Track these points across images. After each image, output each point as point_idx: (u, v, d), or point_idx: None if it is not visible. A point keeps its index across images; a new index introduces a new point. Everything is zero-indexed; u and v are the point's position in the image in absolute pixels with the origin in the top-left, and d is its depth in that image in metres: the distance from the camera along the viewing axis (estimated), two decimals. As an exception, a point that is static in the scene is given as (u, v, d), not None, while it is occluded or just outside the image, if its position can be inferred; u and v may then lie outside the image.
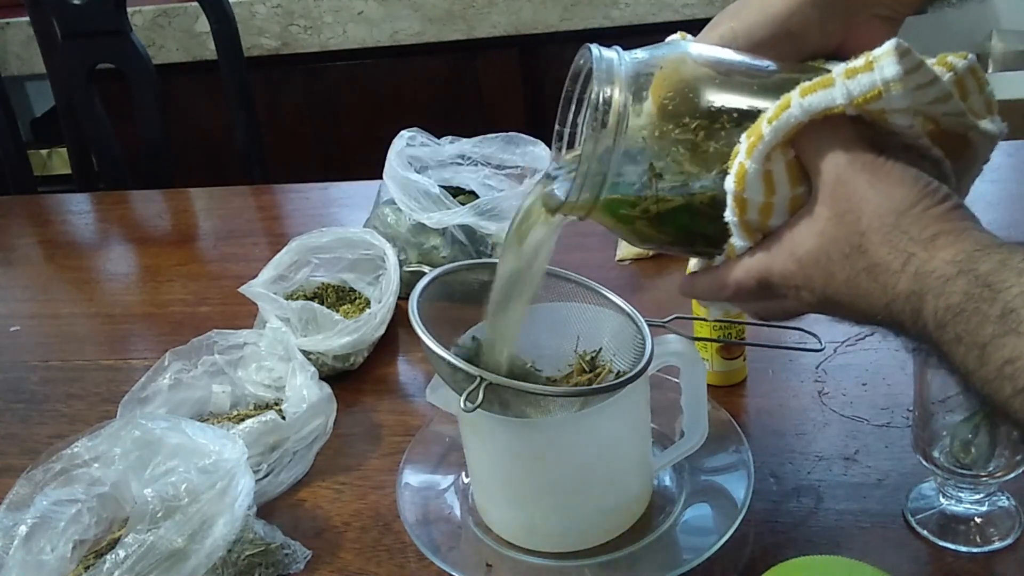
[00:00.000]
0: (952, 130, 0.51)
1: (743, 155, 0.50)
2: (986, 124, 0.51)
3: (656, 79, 0.53)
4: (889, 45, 0.47)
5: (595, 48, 0.54)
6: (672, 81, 0.53)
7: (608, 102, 0.52)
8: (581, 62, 0.56)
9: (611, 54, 0.54)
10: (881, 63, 0.47)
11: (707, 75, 0.54)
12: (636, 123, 0.53)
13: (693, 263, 0.61)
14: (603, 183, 0.53)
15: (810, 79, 0.49)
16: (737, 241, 0.53)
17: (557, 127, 0.59)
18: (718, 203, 0.52)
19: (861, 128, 0.49)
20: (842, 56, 0.54)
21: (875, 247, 0.47)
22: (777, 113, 0.49)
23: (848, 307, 0.50)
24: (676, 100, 0.53)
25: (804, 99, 0.48)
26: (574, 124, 0.59)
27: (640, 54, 0.55)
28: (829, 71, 0.50)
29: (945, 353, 0.45)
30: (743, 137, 0.50)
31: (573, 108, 0.58)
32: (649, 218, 0.54)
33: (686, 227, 0.55)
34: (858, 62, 0.48)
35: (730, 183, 0.51)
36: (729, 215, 0.52)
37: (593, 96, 0.52)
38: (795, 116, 0.49)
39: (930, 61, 0.50)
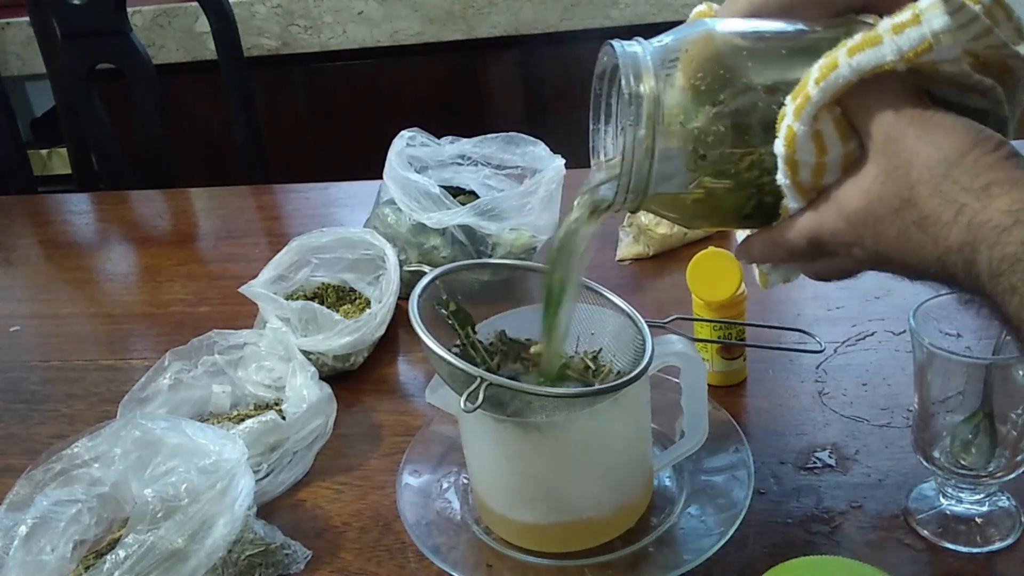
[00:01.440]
0: (991, 61, 0.50)
1: (790, 117, 0.50)
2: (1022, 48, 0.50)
3: (684, 62, 0.53)
4: None
5: (617, 44, 0.54)
6: (701, 60, 0.53)
7: (640, 95, 0.52)
8: (605, 59, 0.55)
9: (634, 47, 0.53)
10: (928, 15, 0.47)
11: (736, 47, 0.53)
12: (671, 109, 0.52)
13: (741, 232, 0.61)
14: (649, 175, 0.53)
15: (850, 36, 0.49)
16: (790, 203, 0.53)
17: (592, 126, 0.59)
18: (768, 172, 0.52)
19: (907, 78, 0.49)
20: (871, 9, 0.53)
21: (925, 199, 0.47)
22: (824, 73, 0.49)
23: (900, 263, 0.49)
24: (707, 79, 0.52)
25: (852, 58, 0.48)
26: (607, 123, 0.58)
27: (665, 39, 0.54)
28: (868, 24, 0.49)
29: (999, 304, 0.45)
30: (788, 99, 0.50)
31: (604, 107, 0.58)
32: (701, 199, 0.54)
33: (739, 200, 0.55)
34: (904, 16, 0.47)
35: (780, 147, 0.50)
36: (781, 178, 0.51)
37: (624, 92, 0.52)
38: (844, 76, 0.48)
39: None
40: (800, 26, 0.54)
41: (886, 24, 0.48)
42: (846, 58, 0.48)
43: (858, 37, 0.48)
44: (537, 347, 0.69)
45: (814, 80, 0.49)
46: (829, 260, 0.54)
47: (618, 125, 0.57)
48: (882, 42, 0.47)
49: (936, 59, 0.47)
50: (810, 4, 0.54)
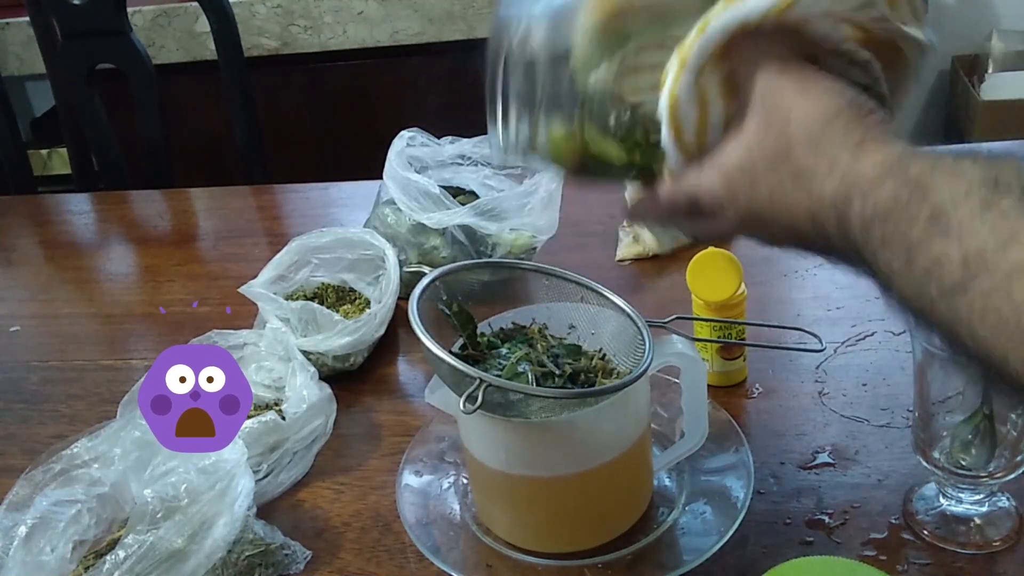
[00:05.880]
0: (883, 39, 0.52)
1: (672, 78, 0.51)
2: (913, 31, 0.52)
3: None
4: None
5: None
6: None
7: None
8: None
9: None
10: None
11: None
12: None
13: (631, 190, 0.62)
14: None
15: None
16: (672, 162, 0.54)
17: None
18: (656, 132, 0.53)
19: (790, 41, 0.50)
20: None
21: (801, 153, 0.48)
22: (696, 36, 0.50)
23: (771, 221, 0.51)
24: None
25: (717, 21, 0.49)
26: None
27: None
28: None
29: (867, 259, 0.46)
30: (672, 58, 0.51)
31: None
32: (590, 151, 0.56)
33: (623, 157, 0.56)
34: None
35: (664, 103, 0.52)
36: (665, 135, 0.53)
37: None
38: (711, 40, 0.50)
39: None
40: None
41: None
42: (715, 17, 0.49)
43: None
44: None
45: (688, 44, 0.50)
46: (705, 221, 0.55)
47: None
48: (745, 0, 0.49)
49: (802, 15, 0.48)
50: None
